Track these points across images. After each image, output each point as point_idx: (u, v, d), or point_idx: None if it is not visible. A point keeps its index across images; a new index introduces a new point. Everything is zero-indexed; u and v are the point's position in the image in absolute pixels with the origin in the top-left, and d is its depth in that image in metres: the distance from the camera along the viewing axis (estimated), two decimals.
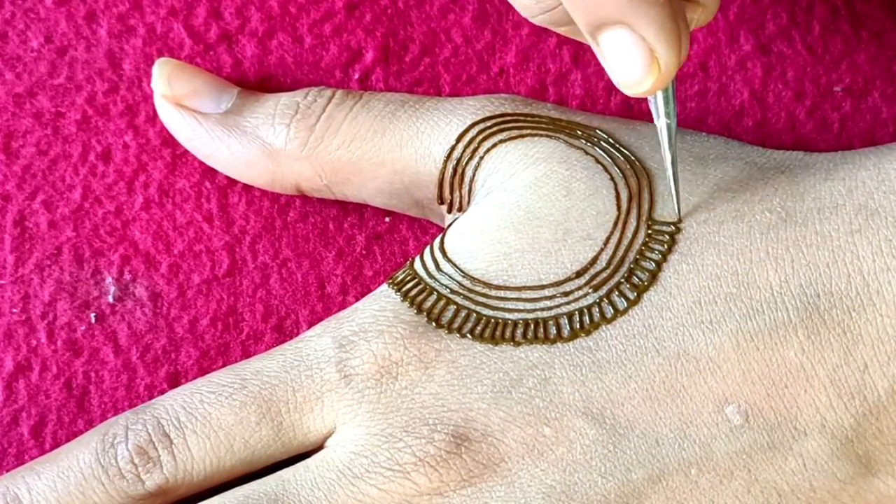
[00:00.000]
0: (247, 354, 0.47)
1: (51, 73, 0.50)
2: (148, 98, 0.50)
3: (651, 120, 0.47)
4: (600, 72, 0.51)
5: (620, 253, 0.43)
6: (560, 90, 0.51)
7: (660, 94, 0.41)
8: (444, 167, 0.46)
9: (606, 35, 0.36)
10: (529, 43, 0.51)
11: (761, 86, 0.51)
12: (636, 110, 0.51)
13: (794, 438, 0.40)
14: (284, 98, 0.48)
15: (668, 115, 0.41)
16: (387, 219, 0.49)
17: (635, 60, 0.36)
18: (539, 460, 0.41)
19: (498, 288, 0.43)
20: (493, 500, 0.41)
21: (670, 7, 0.36)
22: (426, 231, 0.49)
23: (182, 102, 0.48)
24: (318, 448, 0.43)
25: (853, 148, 0.49)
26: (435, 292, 0.43)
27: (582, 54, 0.51)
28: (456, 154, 0.45)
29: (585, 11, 0.35)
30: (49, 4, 0.51)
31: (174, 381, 0.47)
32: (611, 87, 0.51)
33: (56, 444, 0.46)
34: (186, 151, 0.49)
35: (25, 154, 0.49)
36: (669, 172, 0.42)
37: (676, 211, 0.43)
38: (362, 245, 0.49)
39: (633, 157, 0.45)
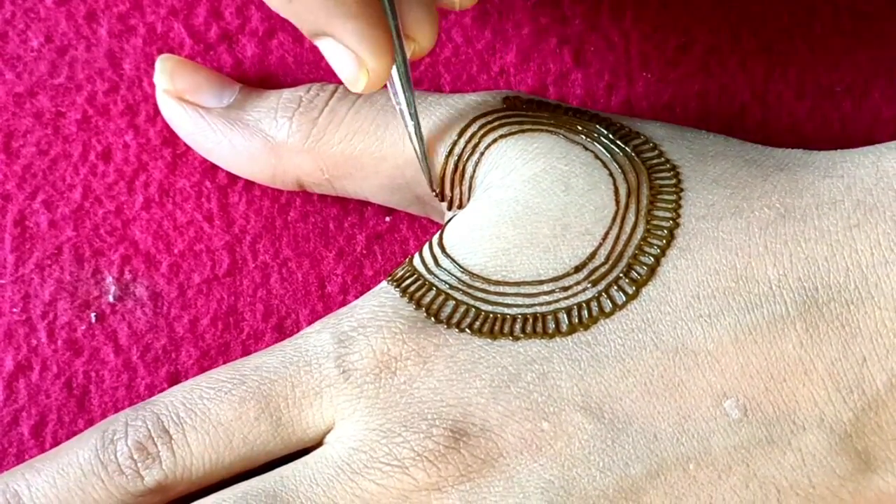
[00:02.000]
0: (247, 354, 0.47)
1: (51, 72, 0.50)
2: (148, 97, 0.50)
3: (649, 120, 0.47)
4: (601, 71, 0.52)
5: (619, 248, 0.43)
6: (560, 90, 0.51)
7: (390, 83, 0.44)
8: (446, 163, 0.46)
9: (321, 42, 0.40)
10: (530, 43, 0.51)
11: (762, 86, 0.51)
12: (637, 110, 0.51)
13: (792, 433, 0.40)
14: (287, 92, 0.48)
15: (399, 102, 0.44)
16: (387, 218, 0.49)
17: (346, 65, 0.41)
18: (537, 455, 0.41)
19: (497, 283, 0.43)
20: (492, 496, 0.40)
21: (370, 18, 0.39)
22: (426, 231, 0.49)
23: (184, 97, 0.48)
24: (318, 445, 0.43)
25: (854, 148, 0.49)
26: (434, 288, 0.43)
27: (582, 54, 0.52)
28: (457, 150, 0.46)
29: (299, 22, 0.40)
30: (49, 4, 0.51)
31: (174, 381, 0.47)
32: (611, 87, 0.51)
33: (56, 444, 0.46)
34: (187, 151, 0.49)
35: (26, 154, 0.49)
36: (416, 149, 0.45)
37: (429, 184, 0.46)
38: (363, 244, 0.49)
39: (631, 153, 0.45)
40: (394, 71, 0.43)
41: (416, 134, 0.44)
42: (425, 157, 0.45)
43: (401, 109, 0.44)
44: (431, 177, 0.45)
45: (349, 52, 0.40)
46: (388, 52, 0.40)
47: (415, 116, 0.44)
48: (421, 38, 0.43)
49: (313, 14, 0.39)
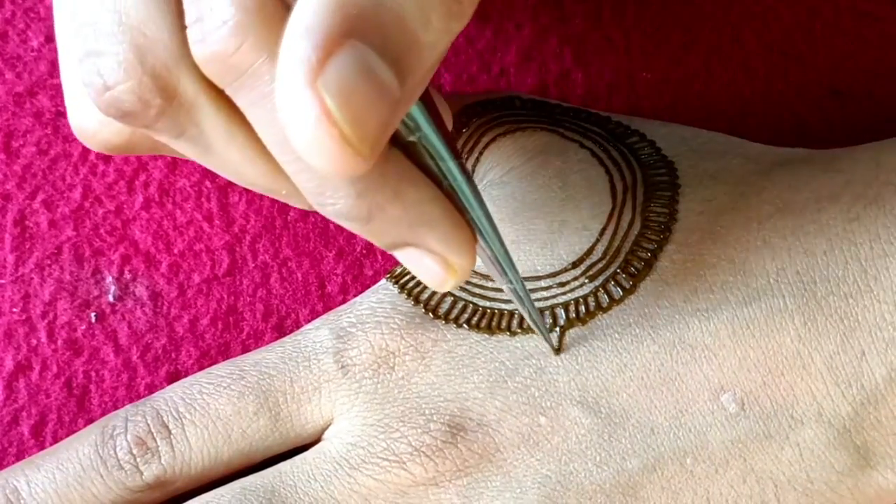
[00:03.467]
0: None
1: (51, 72, 0.50)
2: None
3: (647, 119, 0.47)
4: (601, 71, 0.52)
5: (616, 243, 0.43)
6: (561, 90, 0.51)
7: (493, 269, 0.40)
8: None
9: (401, 253, 0.37)
10: (530, 43, 0.51)
11: (763, 85, 0.51)
12: (638, 109, 0.51)
13: (790, 427, 0.40)
14: None
15: (509, 282, 0.40)
16: None
17: (433, 270, 0.37)
18: (535, 450, 0.41)
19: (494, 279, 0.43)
20: (489, 490, 0.40)
21: (451, 217, 0.36)
22: None
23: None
24: (316, 441, 0.43)
25: None
26: None
27: (583, 54, 0.52)
28: None
29: (379, 238, 0.36)
30: (49, 4, 0.51)
31: (174, 381, 0.47)
32: (612, 87, 0.51)
33: (56, 444, 0.46)
34: None
35: (26, 153, 0.50)
36: (534, 326, 0.42)
37: (553, 351, 0.42)
38: (362, 244, 0.49)
39: (627, 150, 0.45)
40: (492, 255, 0.39)
41: (533, 315, 0.41)
42: (543, 329, 0.42)
43: (512, 289, 0.41)
44: (550, 343, 0.42)
45: (435, 259, 0.37)
46: (472, 246, 0.37)
47: (527, 298, 0.41)
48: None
49: (395, 229, 0.36)
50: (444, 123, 0.36)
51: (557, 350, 0.42)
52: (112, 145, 0.39)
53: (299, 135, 0.29)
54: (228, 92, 0.33)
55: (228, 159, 0.35)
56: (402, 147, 0.35)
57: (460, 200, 0.37)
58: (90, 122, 0.39)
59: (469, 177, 0.37)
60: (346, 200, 0.34)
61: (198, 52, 0.32)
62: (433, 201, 0.35)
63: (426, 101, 0.35)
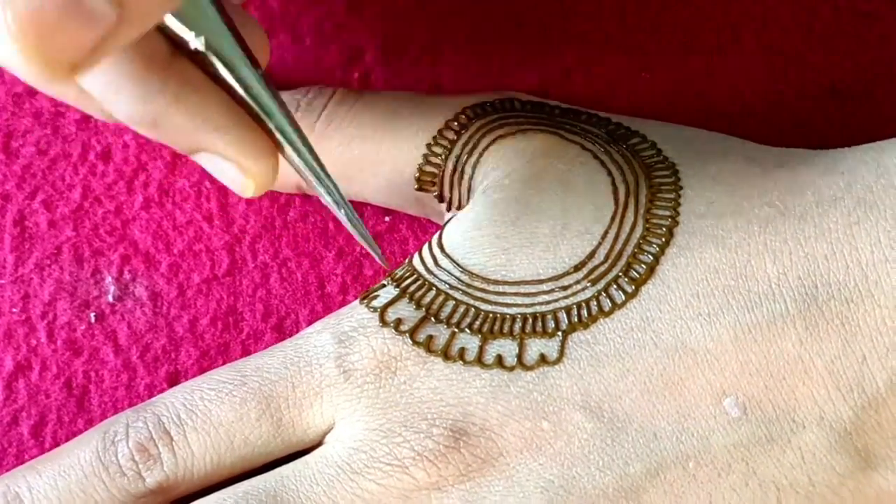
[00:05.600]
0: (247, 354, 0.47)
1: None
2: None
3: (648, 119, 0.47)
4: (602, 71, 0.51)
5: (618, 247, 0.43)
6: (561, 90, 0.51)
7: (312, 180, 0.41)
8: (445, 164, 0.46)
9: (198, 157, 0.39)
10: (531, 42, 0.51)
11: (763, 86, 0.51)
12: (638, 110, 0.51)
13: (792, 431, 0.40)
14: (285, 95, 0.48)
15: (327, 191, 0.41)
16: (387, 218, 0.49)
17: (231, 175, 0.39)
18: (537, 454, 0.41)
19: (496, 283, 0.43)
20: (492, 495, 0.40)
21: (241, 124, 0.39)
22: (426, 231, 0.49)
23: None
24: (318, 445, 0.43)
25: None
26: (434, 288, 0.43)
27: (583, 54, 0.52)
28: (456, 150, 0.46)
29: (171, 143, 0.39)
30: None
31: (174, 381, 0.47)
32: (612, 87, 0.51)
33: (56, 444, 0.46)
34: None
35: (25, 153, 0.50)
36: (359, 238, 0.43)
37: (381, 262, 0.44)
38: (362, 244, 0.49)
39: (629, 153, 0.45)
40: (301, 163, 0.41)
41: (351, 220, 0.43)
42: (369, 239, 0.43)
43: (329, 201, 0.42)
44: (377, 254, 0.44)
45: (229, 164, 0.39)
46: (269, 152, 0.39)
47: (343, 204, 0.42)
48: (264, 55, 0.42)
49: (183, 135, 0.38)
50: (238, 32, 0.38)
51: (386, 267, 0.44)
52: None
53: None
54: None
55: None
56: (189, 55, 0.38)
57: (258, 108, 0.38)
58: None
59: (269, 85, 0.38)
60: (130, 105, 0.37)
61: None
62: (219, 106, 0.38)
63: (219, 8, 0.37)
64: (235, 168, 0.39)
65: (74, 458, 0.43)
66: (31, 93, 0.50)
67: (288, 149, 0.40)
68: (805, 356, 0.40)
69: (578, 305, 0.42)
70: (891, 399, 0.40)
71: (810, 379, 0.40)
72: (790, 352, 0.40)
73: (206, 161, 0.39)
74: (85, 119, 0.50)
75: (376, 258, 0.43)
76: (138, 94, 0.37)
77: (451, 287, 0.43)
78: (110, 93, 0.37)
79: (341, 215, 0.42)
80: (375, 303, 0.43)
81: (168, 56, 0.37)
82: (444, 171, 0.46)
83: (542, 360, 0.41)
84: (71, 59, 0.32)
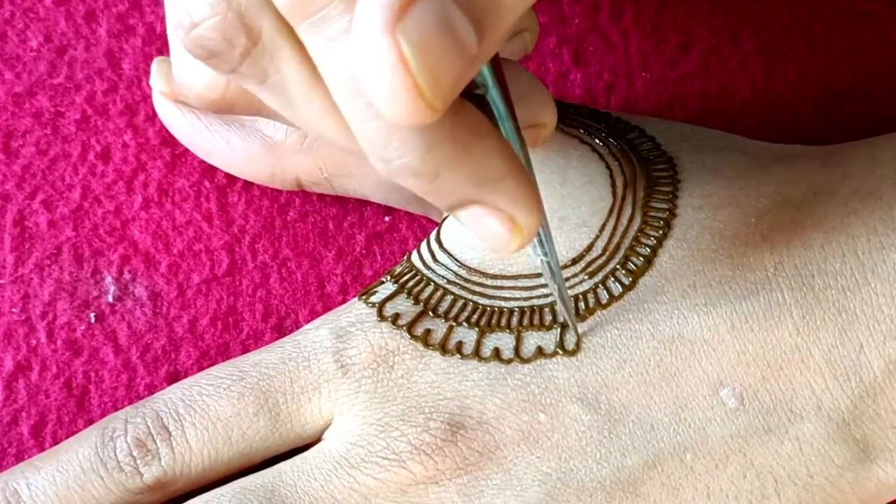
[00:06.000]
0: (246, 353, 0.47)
1: (50, 72, 0.50)
2: (147, 97, 0.50)
3: (647, 116, 0.47)
4: (600, 71, 0.52)
5: (616, 239, 0.43)
6: (560, 89, 0.51)
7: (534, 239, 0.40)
8: None
9: (464, 213, 0.35)
10: None
11: (762, 85, 0.51)
12: (637, 109, 0.51)
13: (789, 422, 0.40)
14: None
15: (544, 254, 0.40)
16: (386, 218, 0.49)
17: (498, 230, 0.35)
18: (535, 447, 0.40)
19: (494, 277, 0.43)
20: (489, 488, 0.40)
21: (519, 173, 0.35)
22: (425, 230, 0.49)
23: (181, 99, 0.48)
24: (316, 441, 0.43)
25: None
26: (432, 283, 0.43)
27: (581, 53, 0.52)
28: None
29: (443, 197, 0.35)
30: (48, 4, 0.51)
31: (174, 381, 0.47)
32: (610, 86, 0.51)
33: (56, 444, 0.46)
34: (186, 151, 0.49)
35: (25, 154, 0.50)
36: (560, 305, 0.41)
37: (575, 335, 0.42)
38: (362, 244, 0.49)
39: (627, 146, 0.45)
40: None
41: (562, 290, 0.41)
42: (568, 308, 0.42)
43: (546, 262, 0.40)
44: (572, 321, 0.42)
45: (500, 216, 0.35)
46: (538, 202, 0.35)
47: (557, 268, 0.41)
48: (550, 120, 0.40)
49: (460, 187, 0.34)
50: (506, 84, 0.36)
51: (576, 330, 0.42)
52: (209, 100, 0.39)
53: (372, 80, 0.29)
54: (301, 33, 0.32)
55: (309, 110, 0.35)
56: (470, 98, 0.34)
57: (523, 158, 0.36)
58: (188, 76, 0.38)
59: (524, 142, 0.37)
60: (414, 154, 0.32)
61: None
62: (502, 156, 0.34)
63: (494, 58, 0.35)
64: (503, 222, 0.35)
65: (73, 454, 0.42)
66: (31, 93, 0.50)
67: None
68: (802, 345, 0.40)
69: (576, 298, 0.42)
70: (888, 388, 0.40)
71: (807, 368, 0.40)
72: (787, 341, 0.40)
73: (473, 216, 0.35)
74: (85, 119, 0.50)
75: (570, 322, 0.42)
76: (423, 142, 0.32)
77: (449, 282, 0.43)
78: (380, 142, 0.32)
79: (553, 286, 0.41)
80: (373, 298, 0.43)
81: (457, 99, 0.33)
82: None
83: (539, 352, 0.41)
84: (445, 95, 0.30)
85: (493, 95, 0.35)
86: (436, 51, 0.29)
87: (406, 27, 0.29)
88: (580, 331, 0.41)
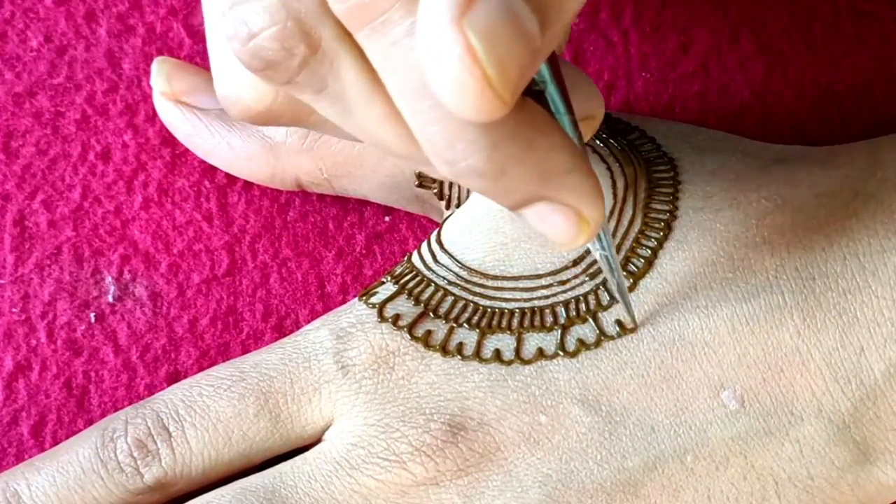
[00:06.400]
0: (246, 354, 0.47)
1: (50, 72, 0.50)
2: (147, 97, 0.50)
3: (647, 117, 0.47)
4: (600, 71, 0.52)
5: (616, 241, 0.43)
6: None
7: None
8: None
9: (529, 211, 0.35)
10: None
11: (762, 85, 0.51)
12: (636, 109, 0.51)
13: (790, 424, 0.40)
14: None
15: (602, 248, 0.40)
16: (387, 218, 0.49)
17: (564, 226, 0.35)
18: (535, 449, 0.41)
19: (495, 278, 0.43)
20: (490, 490, 0.40)
21: (584, 167, 0.35)
22: (426, 230, 0.49)
23: (181, 99, 0.48)
24: (317, 442, 0.43)
25: None
26: (432, 284, 0.43)
27: (581, 53, 0.52)
28: None
29: (508, 195, 0.34)
30: (48, 4, 0.51)
31: (174, 381, 0.47)
32: (610, 86, 0.51)
33: (56, 444, 0.46)
34: (186, 151, 0.49)
35: (25, 154, 0.50)
36: (619, 297, 0.41)
37: (632, 321, 0.42)
38: (362, 244, 0.49)
39: (628, 147, 0.45)
40: None
41: (621, 285, 0.41)
42: (628, 303, 0.41)
43: (605, 256, 0.40)
44: (632, 316, 0.42)
45: (567, 212, 0.35)
46: (602, 194, 0.35)
47: (616, 262, 0.40)
48: (599, 111, 0.40)
49: (526, 185, 0.34)
50: (563, 78, 0.36)
51: (634, 322, 0.41)
52: (254, 112, 0.38)
53: (440, 74, 0.29)
54: (361, 39, 0.32)
55: (368, 118, 0.34)
56: (530, 93, 0.34)
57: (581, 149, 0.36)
58: (234, 88, 0.38)
59: (581, 135, 0.37)
60: (480, 154, 0.32)
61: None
62: (566, 150, 0.34)
63: (550, 53, 0.35)
64: (569, 217, 0.35)
65: (73, 454, 0.42)
66: (31, 93, 0.50)
67: None
68: (803, 348, 0.40)
69: (577, 299, 0.42)
70: (889, 390, 0.40)
71: (808, 371, 0.40)
72: (788, 343, 0.40)
73: (538, 213, 0.35)
74: (85, 119, 0.50)
75: (630, 318, 0.42)
76: (488, 141, 0.32)
77: (450, 283, 0.43)
78: (444, 144, 0.32)
79: (611, 277, 0.40)
80: (374, 299, 0.43)
81: (519, 96, 0.32)
82: None
83: (540, 354, 0.41)
84: (513, 86, 0.29)
85: (552, 90, 0.35)
86: (503, 41, 0.29)
87: (472, 19, 0.28)
88: (583, 332, 0.42)
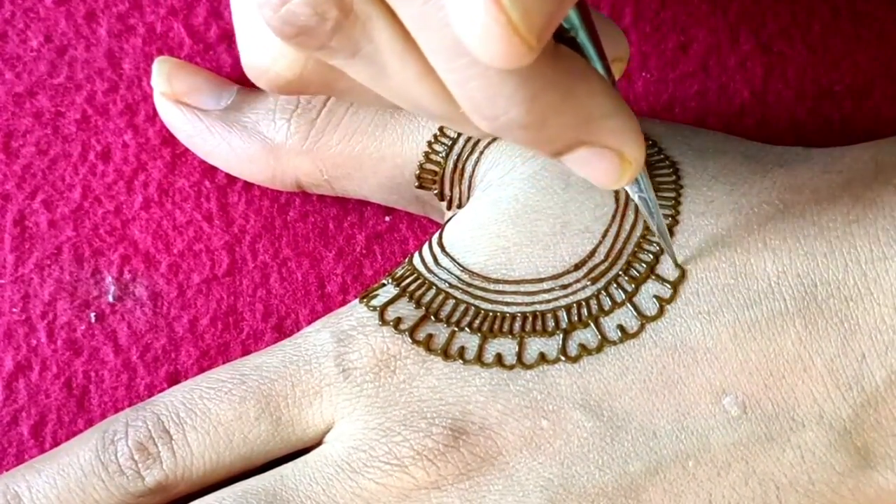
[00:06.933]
0: (247, 354, 0.47)
1: (50, 72, 0.50)
2: (147, 97, 0.50)
3: (648, 118, 0.47)
4: None
5: (619, 245, 0.43)
6: None
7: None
8: (445, 162, 0.46)
9: (572, 157, 0.35)
10: None
11: (762, 85, 0.51)
12: (636, 109, 0.51)
13: (791, 430, 0.40)
14: None
15: (640, 190, 0.40)
16: (387, 218, 0.49)
17: (608, 168, 0.36)
18: (537, 453, 0.41)
19: (496, 281, 0.43)
20: (491, 494, 0.40)
21: (623, 108, 0.35)
22: (426, 230, 0.49)
23: (182, 99, 0.48)
24: (318, 445, 0.43)
25: None
26: (434, 287, 0.43)
27: None
28: (457, 149, 0.46)
29: (550, 144, 0.35)
30: (49, 4, 0.51)
31: (174, 381, 0.47)
32: None
33: (56, 444, 0.46)
34: (186, 151, 0.49)
35: (25, 153, 0.50)
36: (658, 236, 0.42)
37: (675, 264, 0.42)
38: (362, 244, 0.49)
39: None
40: None
41: (660, 224, 0.42)
42: (668, 241, 0.42)
43: (644, 198, 0.41)
44: (670, 251, 0.42)
45: (609, 154, 0.35)
46: (641, 134, 0.36)
47: (655, 202, 0.41)
48: (625, 53, 0.40)
49: (567, 131, 0.34)
50: (594, 25, 0.36)
51: (677, 264, 0.42)
52: (284, 81, 0.38)
53: (467, 23, 0.29)
54: (392, 0, 0.32)
55: (403, 79, 0.34)
56: (562, 40, 0.35)
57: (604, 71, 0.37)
58: (263, 58, 0.38)
59: (614, 78, 0.37)
60: (520, 107, 0.32)
61: None
62: (605, 94, 0.34)
63: (580, 2, 0.35)
64: (612, 159, 0.35)
65: (74, 457, 0.43)
66: (32, 93, 0.50)
67: None
68: (804, 354, 0.40)
69: (578, 304, 0.42)
70: (890, 397, 0.40)
71: (810, 377, 0.40)
72: (789, 350, 0.40)
73: (581, 158, 0.35)
74: (85, 119, 0.50)
75: (670, 254, 0.42)
76: (527, 93, 0.32)
77: (451, 286, 0.43)
78: (484, 100, 0.32)
79: (651, 221, 0.41)
80: (375, 302, 0.43)
81: (553, 44, 0.33)
82: (444, 169, 0.46)
83: (542, 358, 0.41)
84: (540, 31, 0.29)
85: (582, 37, 0.36)
86: None
87: None
88: (584, 336, 0.42)
